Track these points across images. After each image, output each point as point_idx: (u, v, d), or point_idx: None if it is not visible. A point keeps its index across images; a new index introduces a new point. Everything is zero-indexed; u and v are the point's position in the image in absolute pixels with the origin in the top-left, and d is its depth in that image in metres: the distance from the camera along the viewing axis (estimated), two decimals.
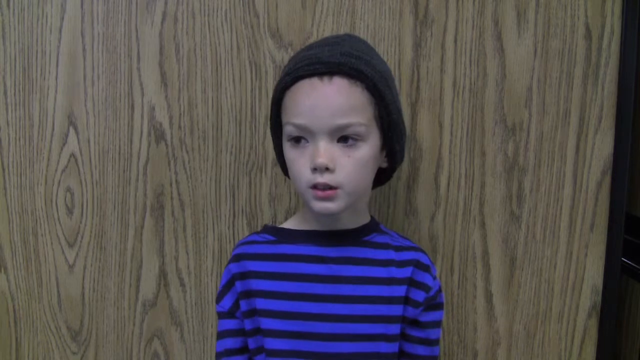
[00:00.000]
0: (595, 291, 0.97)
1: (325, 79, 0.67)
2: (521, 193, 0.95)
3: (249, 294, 0.74)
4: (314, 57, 0.69)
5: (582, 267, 0.97)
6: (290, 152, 0.70)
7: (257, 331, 0.74)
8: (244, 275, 0.74)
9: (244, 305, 0.74)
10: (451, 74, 0.93)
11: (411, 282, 0.75)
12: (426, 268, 0.76)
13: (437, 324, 0.77)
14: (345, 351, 0.72)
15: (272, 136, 0.77)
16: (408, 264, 0.75)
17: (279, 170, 0.92)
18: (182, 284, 0.94)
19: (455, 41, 0.92)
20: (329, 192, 0.67)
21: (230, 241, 0.94)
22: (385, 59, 0.91)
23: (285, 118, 0.70)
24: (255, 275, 0.74)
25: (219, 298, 0.77)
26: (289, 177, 0.78)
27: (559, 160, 0.95)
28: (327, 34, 0.90)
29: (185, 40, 0.90)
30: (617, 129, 0.94)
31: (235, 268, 0.75)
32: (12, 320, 0.94)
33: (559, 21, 0.92)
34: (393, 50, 0.92)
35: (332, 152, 0.67)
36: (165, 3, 0.89)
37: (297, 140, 0.69)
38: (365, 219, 0.78)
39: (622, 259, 0.98)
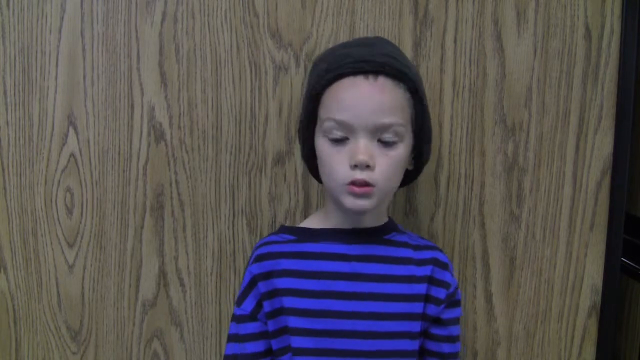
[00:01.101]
0: (595, 291, 0.97)
1: (371, 77, 0.68)
2: (521, 193, 0.95)
3: (273, 294, 0.74)
4: (356, 56, 0.69)
5: (581, 267, 0.97)
6: (326, 147, 0.71)
7: (283, 331, 0.73)
8: (268, 275, 0.74)
9: (267, 305, 0.74)
10: (451, 74, 0.93)
11: (431, 280, 0.76)
12: (445, 266, 0.78)
13: (457, 320, 0.79)
14: (371, 349, 0.73)
15: (302, 131, 0.76)
16: (427, 262, 0.77)
17: (279, 170, 0.92)
18: (182, 284, 0.94)
19: (455, 41, 0.92)
20: (365, 189, 0.68)
21: (230, 241, 0.94)
22: None
23: (325, 114, 0.70)
24: (280, 274, 0.74)
25: (240, 301, 0.76)
26: (314, 176, 0.80)
27: (559, 160, 0.95)
28: (327, 34, 0.90)
29: (185, 40, 0.90)
30: (617, 129, 0.94)
31: (256, 269, 0.75)
32: (12, 320, 0.94)
33: (559, 21, 0.92)
34: None
35: (372, 150, 0.68)
36: (165, 3, 0.89)
37: (337, 140, 0.70)
38: (385, 218, 0.80)
39: (622, 259, 0.98)
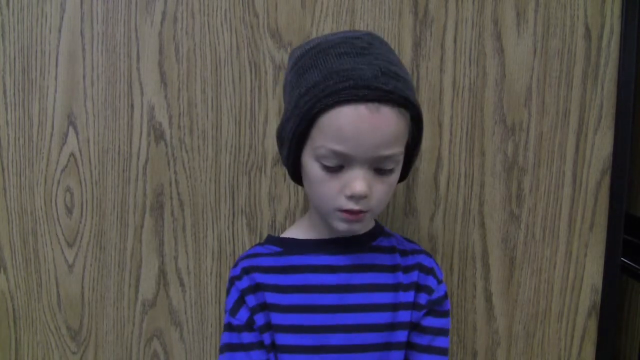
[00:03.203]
0: (595, 291, 0.97)
1: (373, 106, 0.62)
2: (521, 193, 0.95)
3: (263, 307, 0.72)
4: (356, 77, 0.62)
5: (581, 266, 0.97)
6: (317, 170, 0.65)
7: (273, 346, 0.71)
8: (256, 288, 0.72)
9: (259, 319, 0.71)
10: (451, 74, 0.93)
11: (417, 287, 0.74)
12: (429, 271, 0.75)
13: (441, 331, 0.74)
14: None
15: (287, 142, 0.68)
16: (413, 268, 0.74)
17: (278, 170, 0.92)
18: (182, 284, 0.94)
19: (455, 41, 0.92)
20: (359, 216, 0.65)
21: (230, 241, 0.94)
22: None
23: (320, 140, 0.64)
24: (266, 288, 0.72)
25: (234, 311, 0.73)
26: (298, 183, 0.74)
27: (559, 160, 0.95)
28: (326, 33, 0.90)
29: (184, 40, 0.90)
30: (616, 128, 0.94)
31: (244, 283, 0.72)
32: (12, 320, 0.94)
33: (559, 21, 0.92)
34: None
35: (369, 180, 0.64)
36: (165, 3, 0.89)
37: (330, 167, 0.65)
38: (372, 223, 0.77)
39: (622, 259, 0.98)
